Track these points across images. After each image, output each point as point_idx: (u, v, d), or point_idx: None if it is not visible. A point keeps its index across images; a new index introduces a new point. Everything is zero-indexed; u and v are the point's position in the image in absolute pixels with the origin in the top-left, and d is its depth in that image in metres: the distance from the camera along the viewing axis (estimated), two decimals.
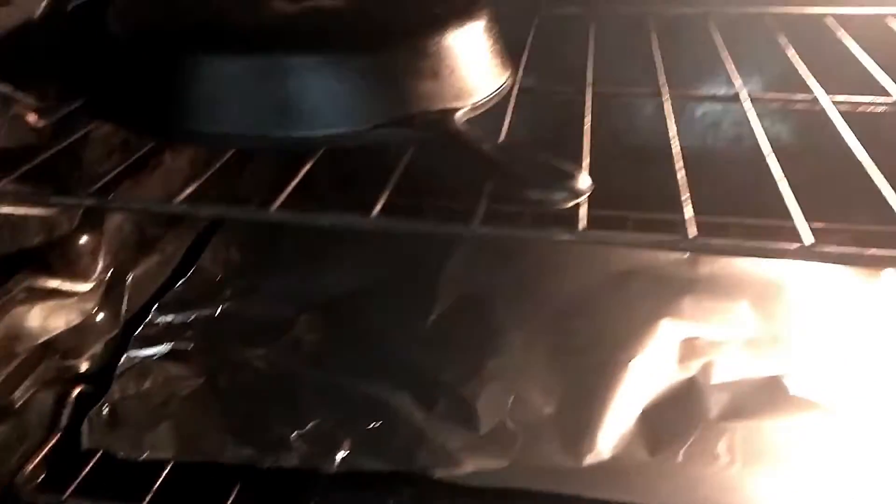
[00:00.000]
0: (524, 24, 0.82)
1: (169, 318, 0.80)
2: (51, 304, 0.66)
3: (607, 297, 0.84)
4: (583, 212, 0.49)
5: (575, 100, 0.70)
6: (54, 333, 0.67)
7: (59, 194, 0.52)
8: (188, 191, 0.49)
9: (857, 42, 0.76)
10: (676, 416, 0.69)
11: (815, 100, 0.67)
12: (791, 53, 0.74)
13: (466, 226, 0.49)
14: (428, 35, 0.59)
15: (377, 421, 0.68)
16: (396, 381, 0.72)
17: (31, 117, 0.60)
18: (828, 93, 0.68)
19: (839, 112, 0.64)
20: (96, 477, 0.65)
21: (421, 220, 0.50)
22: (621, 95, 0.77)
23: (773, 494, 0.62)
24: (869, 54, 0.73)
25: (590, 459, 0.65)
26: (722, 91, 0.99)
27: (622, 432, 0.67)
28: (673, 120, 0.62)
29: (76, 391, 0.69)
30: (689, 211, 0.48)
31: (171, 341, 0.77)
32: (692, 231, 0.46)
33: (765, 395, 0.71)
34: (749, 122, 0.65)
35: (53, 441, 0.68)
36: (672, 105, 0.67)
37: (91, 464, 0.65)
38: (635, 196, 0.94)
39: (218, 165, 0.55)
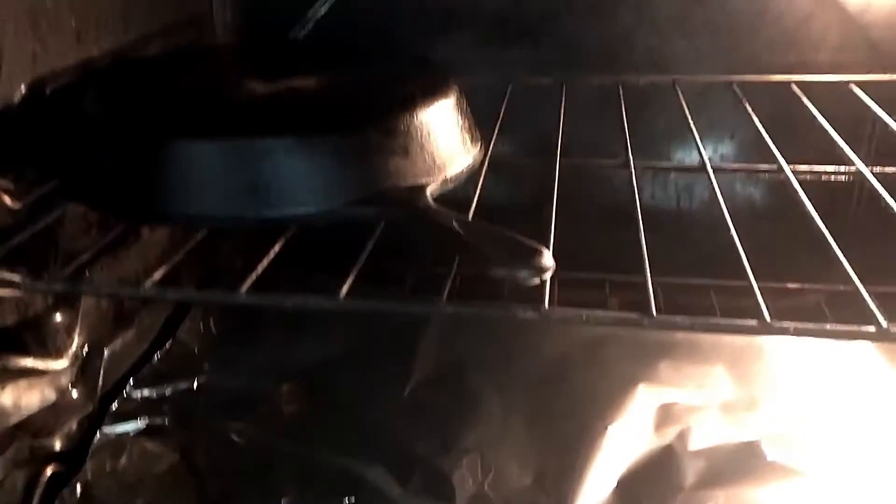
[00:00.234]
0: (496, 93, 0.83)
1: (145, 392, 0.79)
2: (24, 382, 0.66)
3: (584, 363, 0.84)
4: (547, 289, 0.49)
5: (545, 170, 0.72)
6: (28, 413, 0.67)
7: (32, 279, 0.52)
8: (157, 275, 0.50)
9: (823, 104, 0.78)
10: (654, 486, 0.69)
11: (780, 168, 0.68)
12: (757, 121, 0.76)
13: (433, 305, 0.49)
14: (398, 114, 0.61)
15: (351, 496, 0.68)
16: (373, 454, 0.72)
17: (7, 199, 0.61)
18: (796, 157, 0.69)
19: (805, 179, 0.65)
20: None
21: (387, 301, 0.51)
22: (592, 166, 0.79)
23: None
24: (835, 116, 0.75)
25: None
26: (694, 155, 1.01)
27: (599, 503, 0.67)
28: (637, 195, 0.63)
29: (49, 471, 0.68)
30: (650, 288, 0.49)
31: (146, 416, 0.76)
32: (653, 309, 0.47)
33: (742, 462, 0.71)
34: (712, 183, 0.66)
35: None
36: (643, 172, 0.69)
37: None
38: (612, 257, 0.95)
39: (189, 247, 0.56)
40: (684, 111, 0.80)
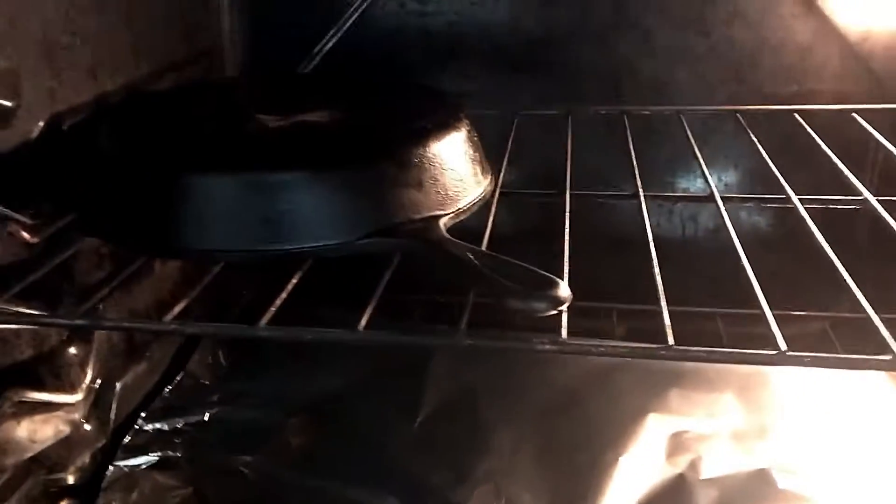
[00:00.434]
0: (501, 123, 0.84)
1: (157, 425, 0.79)
2: (39, 417, 0.66)
3: (594, 392, 0.84)
4: (564, 320, 0.50)
5: (551, 199, 0.72)
6: (42, 447, 0.67)
7: (51, 314, 0.53)
8: (177, 309, 0.50)
9: (825, 132, 0.79)
10: None
11: (788, 198, 0.69)
12: (763, 152, 0.77)
13: (450, 338, 0.50)
14: (412, 147, 0.61)
15: None
16: (385, 486, 0.72)
17: (25, 234, 0.61)
18: (798, 185, 0.70)
19: (813, 209, 0.66)
20: None
21: (406, 334, 0.51)
22: (600, 196, 0.79)
23: None
24: (837, 144, 0.76)
25: None
26: (698, 183, 1.02)
27: None
28: (648, 223, 0.64)
29: None
30: (667, 319, 0.49)
31: (159, 450, 0.76)
32: (670, 339, 0.47)
33: (754, 489, 0.71)
34: (721, 213, 0.67)
35: None
36: (650, 202, 0.70)
37: None
38: (619, 286, 0.96)
39: (206, 282, 0.56)
40: (690, 141, 0.81)
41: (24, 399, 0.64)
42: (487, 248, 0.59)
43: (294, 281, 0.56)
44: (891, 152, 0.75)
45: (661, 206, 1.03)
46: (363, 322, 0.50)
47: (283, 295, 0.53)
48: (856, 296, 0.52)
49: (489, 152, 0.72)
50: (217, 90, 0.83)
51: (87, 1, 0.68)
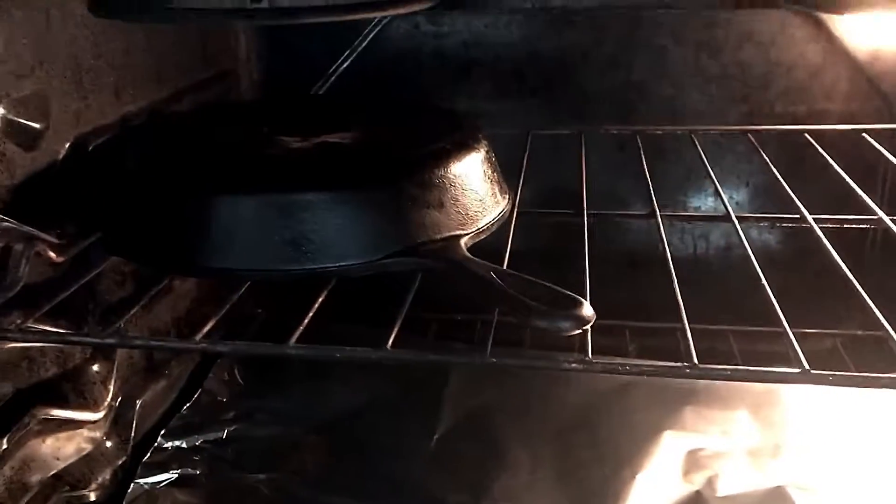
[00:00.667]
0: (513, 143, 0.85)
1: (176, 442, 0.80)
2: (63, 434, 0.67)
3: (609, 410, 0.85)
4: (588, 339, 0.51)
5: (565, 218, 0.73)
6: (66, 464, 0.67)
7: (80, 333, 0.53)
8: (206, 328, 0.51)
9: (835, 151, 0.80)
10: None
11: (802, 218, 0.70)
12: (776, 171, 0.78)
13: (476, 357, 0.50)
14: (433, 168, 0.62)
15: None
16: None
17: (52, 254, 0.62)
18: (808, 203, 0.71)
19: (826, 228, 0.67)
20: None
21: (433, 353, 0.52)
22: (617, 216, 0.80)
23: None
24: (847, 163, 0.77)
25: None
26: (709, 202, 1.03)
27: None
28: (666, 243, 0.65)
29: None
30: (689, 338, 0.50)
31: (178, 467, 0.77)
32: (695, 358, 0.48)
33: None
34: (736, 232, 0.68)
35: None
36: (665, 221, 0.71)
37: None
38: (631, 304, 0.96)
39: (232, 301, 0.57)
40: (702, 160, 0.82)
41: (49, 416, 0.64)
42: (502, 266, 0.60)
43: (320, 300, 0.56)
44: None
45: (672, 224, 1.04)
46: (390, 341, 0.51)
47: (311, 314, 0.54)
48: (866, 313, 0.53)
49: (502, 171, 0.73)
50: (237, 111, 0.84)
51: (112, 25, 0.69)
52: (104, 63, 0.71)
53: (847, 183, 0.75)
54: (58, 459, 0.66)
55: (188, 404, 0.85)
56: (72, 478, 0.69)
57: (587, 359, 0.48)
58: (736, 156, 1.00)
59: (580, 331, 0.49)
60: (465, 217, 0.63)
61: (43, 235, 0.61)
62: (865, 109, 0.96)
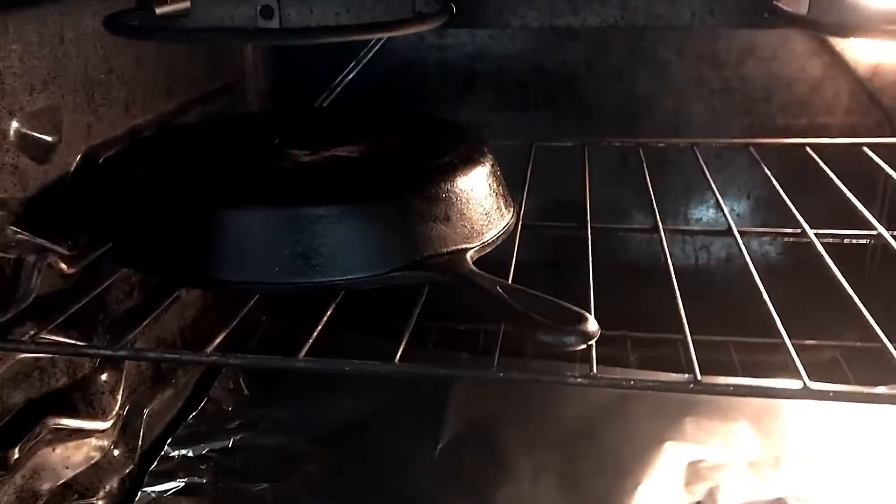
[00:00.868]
0: (515, 155, 0.86)
1: (183, 451, 0.80)
2: (73, 443, 0.67)
3: (610, 420, 0.85)
4: (593, 354, 0.51)
5: (567, 231, 0.74)
6: (75, 473, 0.68)
7: (93, 345, 0.54)
8: (216, 341, 0.52)
9: (835, 164, 0.81)
10: None
11: (803, 232, 0.71)
12: (777, 185, 0.79)
13: (483, 371, 0.51)
14: (439, 182, 0.63)
15: None
16: None
17: (63, 265, 0.63)
18: (809, 216, 0.72)
19: (827, 242, 0.68)
20: None
21: (441, 367, 0.52)
22: (620, 230, 0.81)
23: None
24: (847, 176, 0.78)
25: None
26: (711, 213, 1.04)
27: None
28: (669, 257, 0.65)
29: None
30: (693, 352, 0.51)
31: (185, 476, 0.77)
32: (698, 374, 0.49)
33: None
34: (737, 245, 0.69)
35: None
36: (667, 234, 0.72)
37: None
38: (632, 315, 0.97)
39: (242, 314, 0.58)
40: (704, 172, 0.83)
41: (59, 426, 0.65)
42: (507, 279, 0.61)
43: (328, 314, 0.57)
44: None
45: (674, 235, 1.05)
46: (398, 354, 0.52)
47: (319, 327, 0.55)
48: (866, 325, 0.54)
49: (506, 182, 0.73)
50: (245, 124, 0.85)
51: (123, 41, 0.70)
52: (115, 77, 0.72)
53: (847, 196, 0.76)
54: (67, 468, 0.67)
55: (194, 413, 0.86)
56: (80, 486, 0.69)
57: (592, 374, 0.49)
58: (737, 168, 1.01)
59: (585, 346, 0.50)
60: (471, 230, 0.64)
61: (55, 247, 0.61)
62: (866, 123, 0.97)
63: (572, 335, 0.49)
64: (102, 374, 0.71)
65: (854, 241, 0.74)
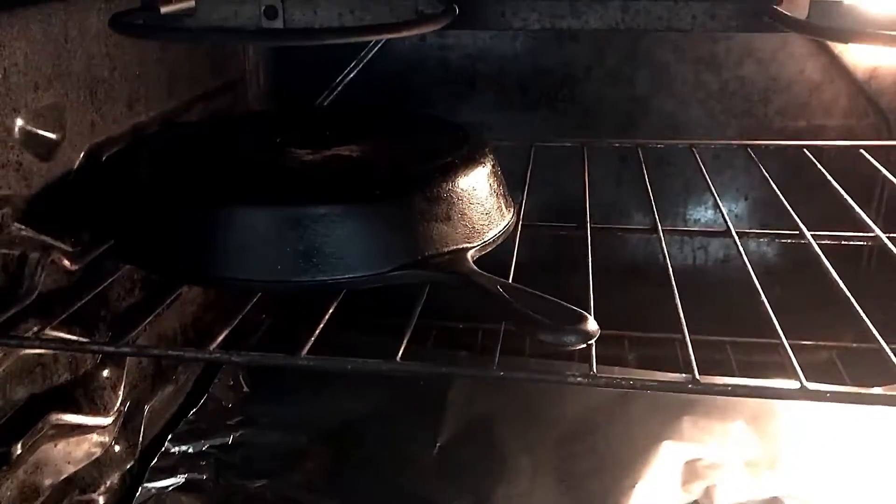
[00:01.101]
0: (515, 155, 0.86)
1: (183, 447, 0.81)
2: (74, 439, 0.68)
3: (609, 420, 0.86)
4: (593, 354, 0.52)
5: (566, 231, 0.75)
6: (76, 468, 0.68)
7: (95, 342, 0.55)
8: (220, 338, 0.52)
9: (832, 166, 0.82)
10: None
11: (801, 234, 0.71)
12: (775, 187, 0.79)
13: (484, 371, 0.52)
14: (441, 182, 0.64)
15: None
16: None
17: (66, 262, 0.63)
18: (806, 217, 0.72)
19: (824, 244, 0.68)
20: None
21: (442, 365, 0.53)
22: (620, 230, 0.82)
23: None
24: (844, 178, 0.79)
25: None
26: (708, 214, 1.05)
27: None
28: (668, 258, 0.66)
29: None
30: (691, 353, 0.51)
31: (185, 472, 0.78)
32: (696, 373, 0.49)
33: None
34: (735, 245, 0.69)
35: None
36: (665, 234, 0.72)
37: None
38: (630, 314, 0.98)
39: (244, 312, 0.58)
40: (702, 173, 0.83)
41: (61, 421, 0.65)
42: (507, 278, 0.61)
43: (330, 311, 0.57)
44: None
45: (671, 235, 1.05)
46: (400, 352, 0.52)
47: (321, 325, 0.55)
48: (862, 326, 0.54)
49: (506, 182, 0.74)
50: (248, 122, 0.85)
51: (127, 39, 0.71)
52: (118, 75, 0.72)
53: (844, 198, 0.76)
54: (69, 463, 0.67)
55: (195, 410, 0.86)
56: (82, 482, 0.70)
57: (591, 373, 0.50)
58: (735, 169, 1.01)
59: (585, 345, 0.50)
60: (472, 230, 0.64)
61: (58, 244, 0.62)
62: (863, 126, 0.98)
63: (572, 335, 0.50)
64: (104, 370, 0.71)
65: (851, 242, 0.75)
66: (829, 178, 0.80)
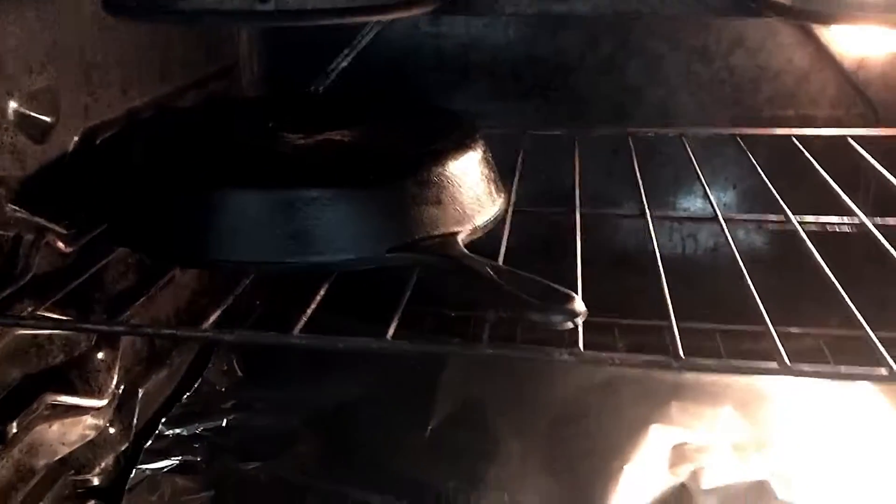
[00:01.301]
0: (508, 142, 0.87)
1: (177, 430, 0.82)
2: (69, 420, 0.68)
3: (599, 403, 0.87)
4: (580, 333, 0.53)
5: (557, 217, 0.76)
6: (71, 449, 0.69)
7: (86, 320, 0.55)
8: (212, 318, 0.53)
9: (821, 155, 0.82)
10: None
11: (787, 220, 0.72)
12: (763, 175, 0.80)
13: (474, 348, 0.52)
14: (432, 167, 0.64)
15: None
16: (396, 492, 0.75)
17: (60, 244, 0.64)
18: (794, 205, 0.73)
19: (811, 230, 0.69)
20: None
21: (433, 343, 0.54)
22: (608, 215, 0.82)
23: None
24: (832, 167, 0.80)
25: None
26: (698, 202, 1.06)
27: None
28: (657, 244, 0.67)
29: None
30: (676, 333, 0.52)
31: (180, 454, 0.79)
32: (680, 352, 0.50)
33: (753, 500, 0.74)
34: (724, 234, 0.70)
35: None
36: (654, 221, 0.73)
37: None
38: (619, 302, 0.98)
39: (237, 292, 0.59)
40: (691, 162, 0.84)
41: (56, 402, 0.66)
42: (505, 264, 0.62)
43: (322, 293, 0.58)
44: (883, 176, 0.79)
45: (661, 224, 1.06)
46: (391, 332, 0.53)
47: (314, 305, 0.56)
48: (850, 314, 0.55)
49: (498, 170, 0.75)
50: (242, 107, 0.86)
51: (120, 23, 0.71)
52: (112, 59, 0.73)
53: (831, 186, 0.77)
54: (63, 444, 0.68)
55: (189, 393, 0.87)
56: (77, 462, 0.71)
57: (577, 351, 0.51)
58: (724, 158, 1.02)
59: (572, 325, 0.51)
60: (463, 215, 0.65)
61: (52, 226, 0.62)
62: (851, 115, 0.99)
63: (560, 314, 0.51)
64: (99, 352, 0.72)
65: (838, 229, 0.76)
66: (817, 165, 0.81)
